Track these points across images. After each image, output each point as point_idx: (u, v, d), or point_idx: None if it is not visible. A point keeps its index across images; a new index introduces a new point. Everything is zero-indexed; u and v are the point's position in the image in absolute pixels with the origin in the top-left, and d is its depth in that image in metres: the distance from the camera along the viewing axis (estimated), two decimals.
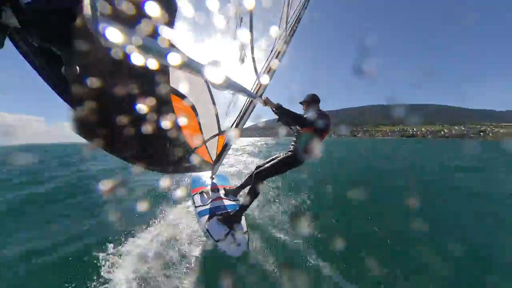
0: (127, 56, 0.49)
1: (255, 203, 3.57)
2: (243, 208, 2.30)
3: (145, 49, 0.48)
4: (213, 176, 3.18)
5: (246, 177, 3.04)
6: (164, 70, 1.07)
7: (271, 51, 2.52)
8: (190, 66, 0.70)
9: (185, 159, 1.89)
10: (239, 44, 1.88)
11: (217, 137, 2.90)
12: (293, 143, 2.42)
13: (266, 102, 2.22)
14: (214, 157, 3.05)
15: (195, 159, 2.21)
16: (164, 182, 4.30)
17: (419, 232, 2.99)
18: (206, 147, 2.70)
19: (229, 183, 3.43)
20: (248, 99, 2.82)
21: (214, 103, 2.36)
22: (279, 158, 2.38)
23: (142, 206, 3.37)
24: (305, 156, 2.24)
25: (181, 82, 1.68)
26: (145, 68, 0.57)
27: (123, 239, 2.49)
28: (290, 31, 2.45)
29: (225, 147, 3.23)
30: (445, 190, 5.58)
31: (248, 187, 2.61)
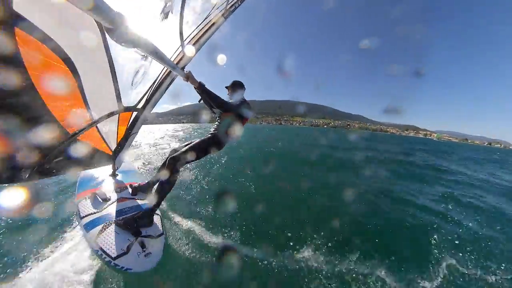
0: None
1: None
2: (155, 205, 1.81)
3: None
4: (115, 172, 2.28)
5: (161, 165, 2.46)
6: None
7: (205, 18, 2.02)
8: None
9: (58, 151, 1.12)
10: None
11: (116, 115, 2.04)
12: (215, 125, 2.30)
13: (188, 77, 1.87)
14: (113, 146, 2.16)
15: (80, 149, 1.40)
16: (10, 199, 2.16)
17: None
18: (99, 130, 1.82)
19: (139, 178, 2.64)
20: (165, 68, 2.17)
21: (111, 64, 1.55)
22: (198, 141, 2.14)
23: None
24: (226, 138, 2.19)
25: (42, 9, 0.90)
26: None
27: None
28: (231, 6, 2.05)
29: (129, 131, 2.38)
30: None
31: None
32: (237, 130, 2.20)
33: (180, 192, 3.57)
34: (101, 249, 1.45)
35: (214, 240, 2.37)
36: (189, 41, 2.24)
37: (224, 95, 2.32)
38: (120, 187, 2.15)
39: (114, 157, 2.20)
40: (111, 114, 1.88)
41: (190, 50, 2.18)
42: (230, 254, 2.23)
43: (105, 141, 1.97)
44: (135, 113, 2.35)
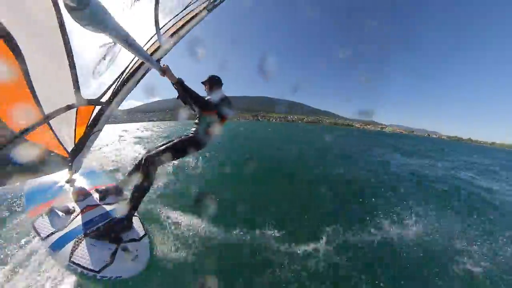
0: None
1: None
2: (132, 208, 1.68)
3: None
4: (73, 177, 1.92)
5: (133, 165, 2.22)
6: None
7: (185, 7, 1.83)
8: None
9: (0, 156, 0.86)
10: None
11: (74, 109, 1.70)
12: (194, 125, 2.19)
13: (165, 72, 1.73)
14: (70, 146, 1.80)
15: (28, 152, 1.11)
16: None
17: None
18: (52, 129, 1.49)
19: (104, 180, 2.30)
20: (137, 59, 1.90)
21: (68, 46, 1.26)
22: (176, 140, 2.04)
23: None
24: (207, 138, 2.13)
25: None
26: None
27: None
28: None
29: (91, 129, 2.02)
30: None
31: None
32: (217, 129, 2.14)
33: (158, 188, 3.31)
34: (81, 266, 1.28)
35: (198, 233, 2.33)
36: (166, 31, 2.00)
37: (201, 91, 2.22)
38: (82, 194, 1.82)
39: (71, 160, 1.84)
40: (68, 108, 1.55)
41: (167, 41, 1.97)
42: (215, 247, 2.22)
43: (60, 141, 1.62)
44: (98, 108, 2.01)
